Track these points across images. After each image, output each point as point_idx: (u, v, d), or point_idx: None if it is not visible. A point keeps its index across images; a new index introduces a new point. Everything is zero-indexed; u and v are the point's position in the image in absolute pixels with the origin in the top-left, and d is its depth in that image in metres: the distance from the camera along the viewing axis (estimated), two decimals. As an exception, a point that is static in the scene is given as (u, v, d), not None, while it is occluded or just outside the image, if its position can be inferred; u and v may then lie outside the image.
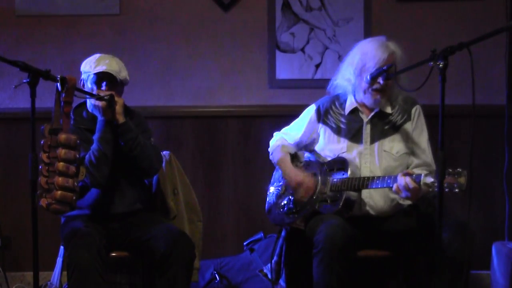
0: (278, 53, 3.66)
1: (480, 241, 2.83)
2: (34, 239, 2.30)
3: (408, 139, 2.74)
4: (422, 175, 2.41)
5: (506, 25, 2.18)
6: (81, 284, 2.50)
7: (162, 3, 3.67)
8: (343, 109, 2.82)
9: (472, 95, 2.18)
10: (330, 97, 2.89)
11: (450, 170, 2.27)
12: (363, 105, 2.77)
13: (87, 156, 2.68)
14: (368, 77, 2.64)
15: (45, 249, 3.40)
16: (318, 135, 2.86)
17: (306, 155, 2.91)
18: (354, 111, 2.79)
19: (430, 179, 2.36)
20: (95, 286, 2.51)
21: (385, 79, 2.59)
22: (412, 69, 2.50)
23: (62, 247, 3.04)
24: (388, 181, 2.52)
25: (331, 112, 2.83)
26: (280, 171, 2.95)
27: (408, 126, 2.75)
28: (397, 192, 2.48)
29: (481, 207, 3.58)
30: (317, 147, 2.87)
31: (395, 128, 2.75)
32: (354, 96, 2.79)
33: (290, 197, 2.84)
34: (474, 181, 2.26)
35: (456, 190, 2.25)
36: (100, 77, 2.75)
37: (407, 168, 2.74)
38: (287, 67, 3.66)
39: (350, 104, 2.80)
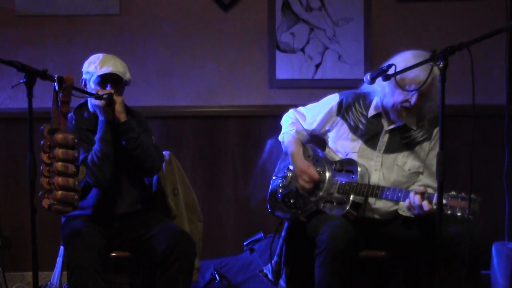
0: (278, 53, 3.66)
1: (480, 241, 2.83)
2: (33, 239, 2.30)
3: (422, 158, 2.71)
4: (436, 195, 2.37)
5: (506, 25, 2.18)
6: (81, 284, 2.50)
7: (162, 3, 3.67)
8: (367, 110, 2.77)
9: (472, 95, 2.18)
10: (356, 93, 2.83)
11: (463, 195, 2.27)
12: (388, 113, 2.72)
13: (89, 157, 2.68)
14: (368, 77, 2.61)
15: (45, 249, 3.43)
16: (333, 128, 2.82)
17: (315, 149, 2.89)
18: (377, 116, 2.74)
19: (443, 201, 2.31)
20: (95, 286, 2.51)
21: (384, 79, 2.57)
22: (412, 69, 2.50)
23: (62, 247, 3.04)
24: (399, 194, 2.51)
25: (353, 109, 2.78)
26: (285, 161, 2.92)
27: (426, 145, 2.72)
28: (409, 208, 2.47)
29: (481, 207, 3.57)
30: (329, 138, 2.84)
31: (412, 145, 2.71)
32: (382, 101, 2.72)
33: (294, 190, 2.82)
34: (474, 181, 2.26)
35: (469, 216, 2.26)
36: (105, 78, 2.74)
37: (413, 184, 2.72)
38: (287, 67, 3.66)
39: (375, 107, 2.75)
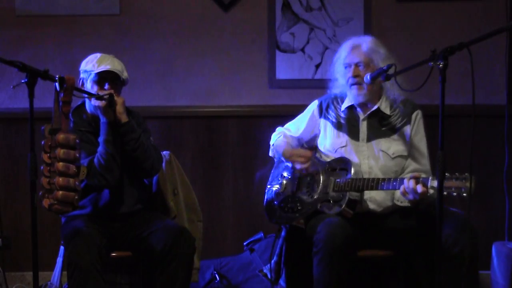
0: (278, 53, 3.66)
1: (480, 241, 2.83)
2: (33, 239, 2.30)
3: (406, 142, 2.75)
4: (430, 178, 2.42)
5: (506, 25, 2.18)
6: (81, 284, 2.50)
7: (162, 3, 3.67)
8: (342, 105, 2.86)
9: (472, 95, 2.19)
10: (331, 95, 2.93)
11: (457, 175, 2.28)
12: (361, 103, 2.79)
13: (95, 160, 2.68)
14: (368, 77, 2.64)
15: (45, 249, 3.43)
16: (319, 131, 2.89)
17: None
18: (352, 107, 2.82)
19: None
20: (96, 286, 2.51)
21: (385, 79, 2.59)
22: (412, 69, 2.50)
23: (62, 247, 3.04)
24: (394, 183, 2.54)
25: (332, 107, 2.87)
26: (279, 168, 2.95)
27: (407, 129, 2.76)
28: (403, 194, 2.49)
29: (481, 207, 3.58)
30: (318, 142, 2.89)
31: (394, 130, 2.76)
32: (346, 92, 2.84)
33: (291, 195, 2.83)
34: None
35: (464, 194, 2.27)
36: (103, 76, 2.75)
37: (403, 170, 2.75)
38: (287, 67, 3.66)
39: (348, 100, 2.84)
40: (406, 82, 2.66)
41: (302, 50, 3.66)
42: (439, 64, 2.15)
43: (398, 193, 2.61)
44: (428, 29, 3.62)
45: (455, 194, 2.29)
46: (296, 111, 3.02)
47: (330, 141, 2.83)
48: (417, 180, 2.45)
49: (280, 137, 2.96)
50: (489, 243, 3.31)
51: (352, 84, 2.75)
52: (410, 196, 2.48)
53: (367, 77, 2.65)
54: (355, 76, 2.73)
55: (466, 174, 2.28)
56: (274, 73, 3.67)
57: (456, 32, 3.57)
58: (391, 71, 2.55)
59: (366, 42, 2.77)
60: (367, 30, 3.61)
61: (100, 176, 2.67)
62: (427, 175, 2.66)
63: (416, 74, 2.46)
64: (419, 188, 2.42)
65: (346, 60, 2.77)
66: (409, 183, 2.45)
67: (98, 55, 2.81)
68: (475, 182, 2.27)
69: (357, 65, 2.73)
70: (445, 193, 2.30)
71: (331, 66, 2.90)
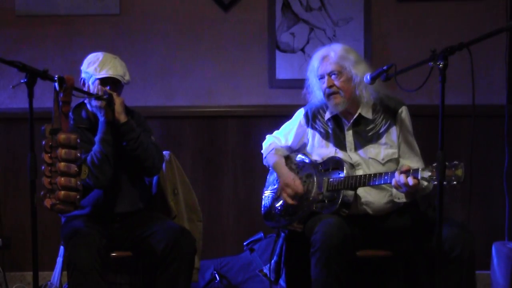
0: (278, 53, 3.66)
1: (480, 241, 2.84)
2: (33, 239, 2.30)
3: (394, 145, 2.73)
4: (420, 169, 2.40)
5: (506, 25, 2.17)
6: (81, 284, 2.50)
7: (162, 3, 3.67)
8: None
9: (472, 95, 2.19)
10: (318, 102, 2.89)
11: (447, 164, 2.26)
12: (344, 111, 2.77)
13: (89, 158, 2.68)
14: (368, 77, 2.63)
15: (45, 249, 3.43)
16: (308, 139, 2.88)
17: (299, 156, 2.91)
18: (336, 117, 2.80)
19: (427, 173, 2.36)
20: (95, 286, 2.51)
21: (385, 79, 2.58)
22: (412, 69, 2.50)
23: (62, 247, 3.04)
24: (385, 177, 2.52)
25: (319, 117, 2.85)
26: (274, 174, 2.95)
27: (393, 131, 2.73)
28: (396, 187, 2.48)
29: (481, 207, 3.58)
30: (307, 150, 2.89)
31: (380, 135, 2.73)
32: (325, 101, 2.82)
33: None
34: (474, 181, 2.26)
35: (454, 182, 2.23)
36: (105, 81, 2.74)
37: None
38: (287, 67, 3.66)
39: (330, 111, 2.82)
40: (383, 86, 2.67)
41: (302, 50, 3.67)
42: (439, 64, 2.15)
43: (395, 190, 2.60)
44: (428, 29, 3.62)
45: (445, 183, 2.24)
46: (296, 111, 3.02)
47: (319, 152, 2.82)
48: (407, 173, 2.43)
49: (272, 150, 2.95)
50: (489, 243, 3.31)
51: (329, 95, 2.73)
52: (403, 189, 2.46)
53: (367, 77, 2.64)
54: (329, 86, 2.72)
55: (455, 162, 2.24)
56: (274, 73, 3.67)
57: (456, 32, 3.57)
58: (391, 71, 2.54)
59: (335, 50, 2.74)
60: (367, 30, 3.62)
61: (91, 175, 2.66)
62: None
63: (416, 74, 2.46)
64: (411, 181, 2.40)
65: (319, 72, 2.75)
66: (399, 178, 2.43)
67: (100, 56, 2.79)
68: (463, 169, 2.23)
69: (329, 75, 2.72)
70: (434, 183, 2.29)
71: (306, 80, 2.86)
